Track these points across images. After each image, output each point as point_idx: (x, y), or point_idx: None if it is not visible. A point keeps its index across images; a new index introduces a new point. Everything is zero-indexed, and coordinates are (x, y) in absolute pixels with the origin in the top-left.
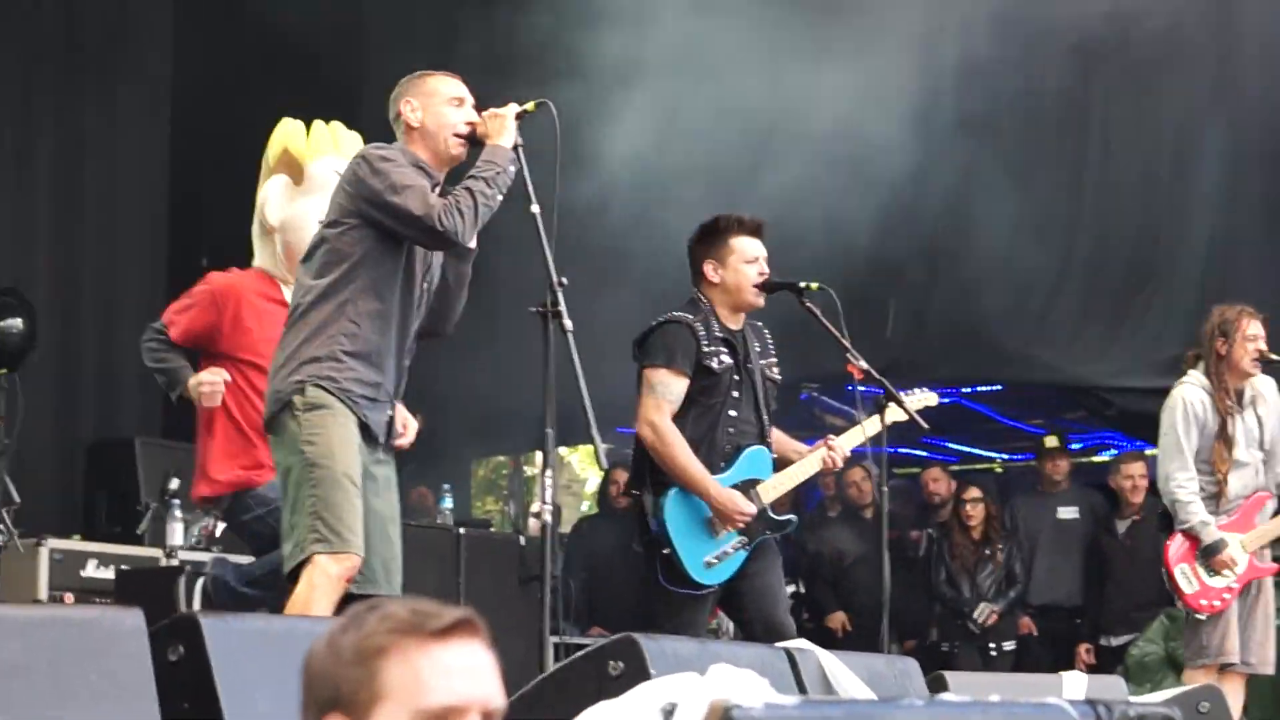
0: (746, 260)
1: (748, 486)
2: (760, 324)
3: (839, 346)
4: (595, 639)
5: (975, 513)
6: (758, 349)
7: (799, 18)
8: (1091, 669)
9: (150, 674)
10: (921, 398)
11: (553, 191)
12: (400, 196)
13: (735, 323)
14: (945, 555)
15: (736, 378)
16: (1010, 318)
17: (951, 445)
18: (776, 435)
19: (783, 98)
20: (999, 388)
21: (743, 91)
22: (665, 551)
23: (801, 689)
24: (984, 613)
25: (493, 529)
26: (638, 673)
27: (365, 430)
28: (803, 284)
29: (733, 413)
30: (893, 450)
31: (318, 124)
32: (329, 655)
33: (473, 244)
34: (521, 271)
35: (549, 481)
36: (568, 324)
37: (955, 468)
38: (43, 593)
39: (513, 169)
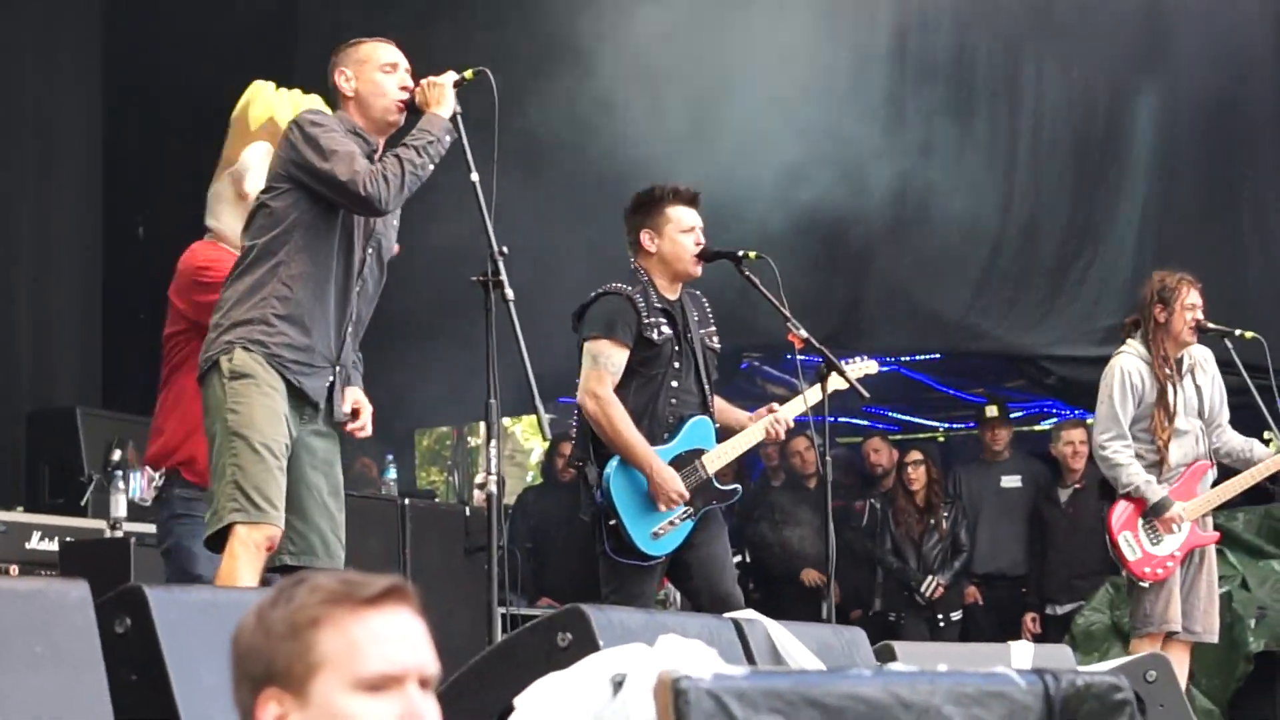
0: (683, 230)
1: (691, 457)
2: (698, 293)
3: (779, 315)
4: (543, 610)
5: (917, 475)
6: (696, 318)
7: None
8: (1037, 638)
9: (97, 646)
10: (862, 366)
11: (491, 160)
12: (328, 162)
13: (673, 293)
14: (890, 524)
15: (677, 348)
16: (948, 287)
17: (893, 414)
18: (719, 404)
19: (721, 65)
20: (938, 357)
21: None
22: (611, 523)
23: (750, 659)
24: (930, 585)
25: (437, 500)
26: (586, 644)
27: (302, 396)
28: (741, 252)
29: (674, 383)
30: (834, 419)
31: (297, 93)
32: (259, 630)
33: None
34: (462, 240)
35: (493, 452)
36: (509, 293)
37: (897, 437)
38: None
39: (448, 138)
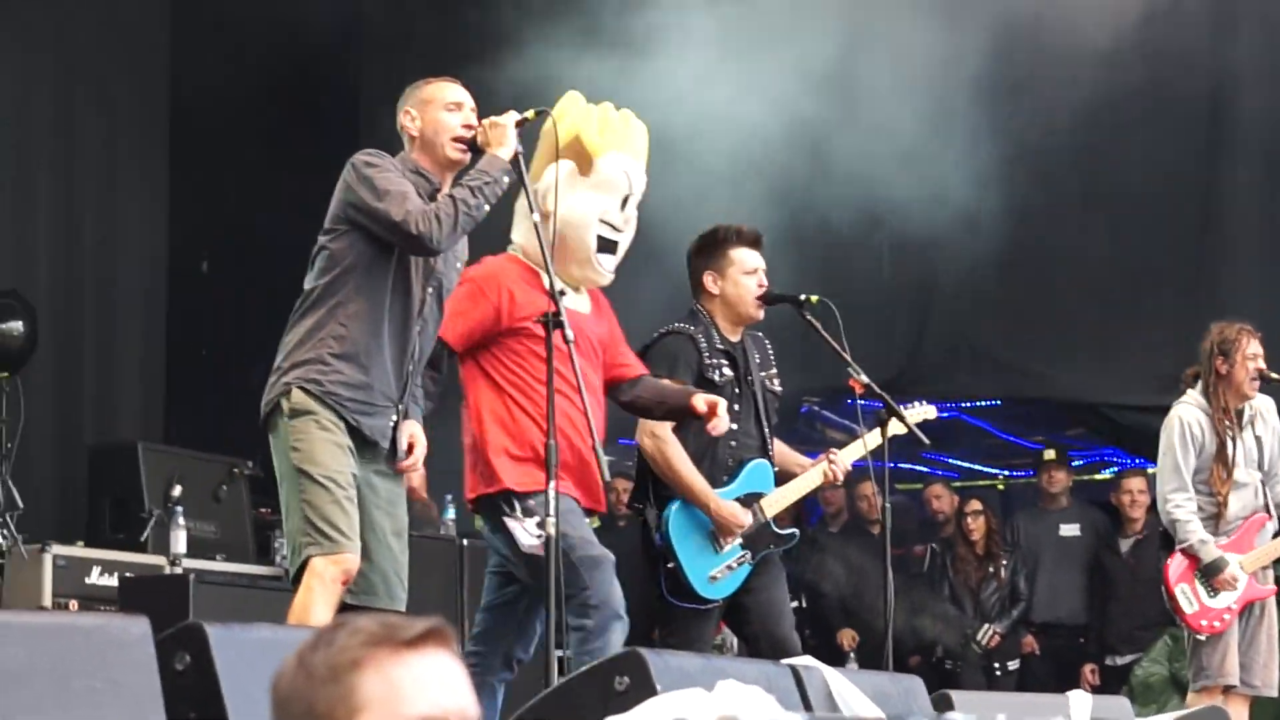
0: (746, 272)
1: (750, 500)
2: (760, 335)
3: (839, 359)
4: None
5: (977, 525)
6: (758, 360)
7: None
8: (1096, 689)
9: (156, 682)
10: (921, 411)
11: (553, 200)
12: (381, 202)
13: (735, 334)
14: (949, 571)
15: (737, 390)
16: (1009, 332)
17: (952, 460)
18: (779, 448)
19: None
20: (998, 403)
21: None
22: (669, 565)
23: (807, 706)
24: (987, 634)
25: None
26: (643, 688)
27: (359, 435)
28: (803, 296)
29: (734, 426)
30: (894, 465)
31: (607, 110)
32: (300, 674)
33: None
34: None
35: (552, 494)
36: (569, 333)
37: (956, 484)
38: (46, 599)
39: (506, 179)
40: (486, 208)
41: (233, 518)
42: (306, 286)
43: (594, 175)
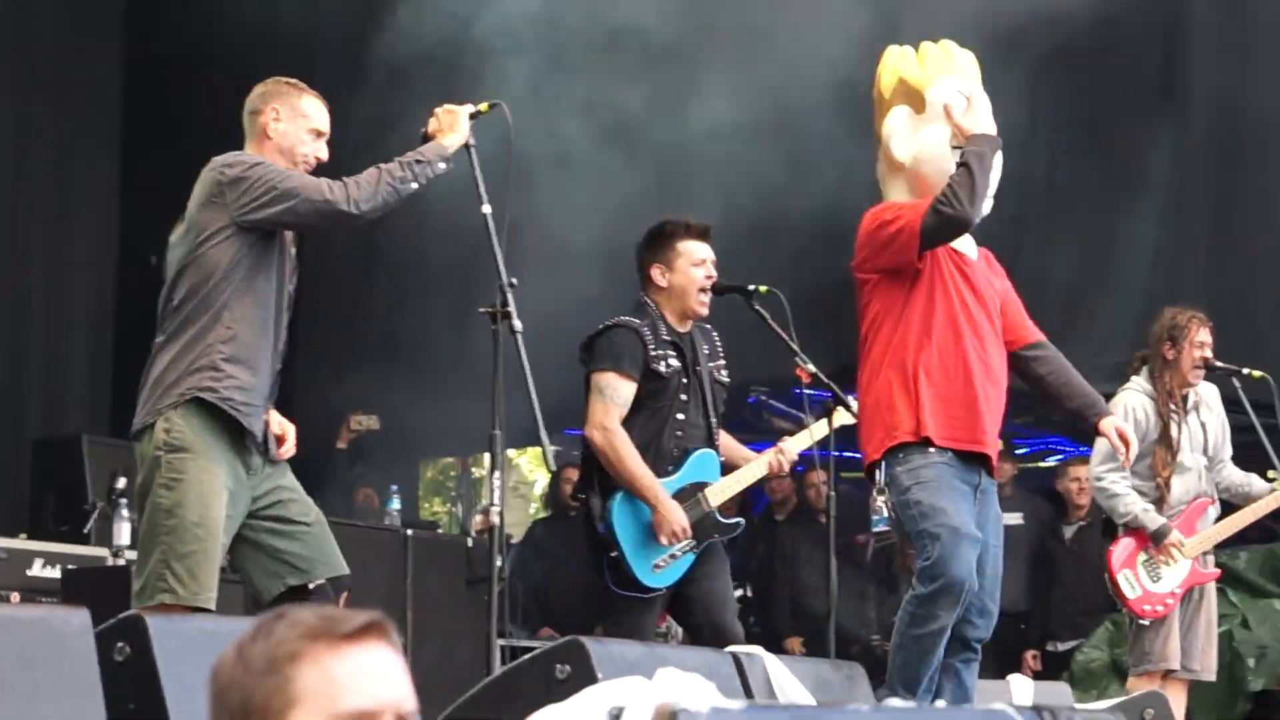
0: (693, 263)
1: (694, 490)
2: (709, 326)
3: (787, 350)
4: (544, 641)
5: None
6: (706, 352)
7: None
8: (1038, 675)
9: (96, 674)
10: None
11: (506, 192)
12: (278, 191)
13: (683, 326)
14: (895, 559)
15: (685, 380)
16: None
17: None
18: (724, 439)
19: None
20: None
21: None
22: (613, 555)
23: (749, 693)
24: None
25: (440, 530)
26: (584, 676)
27: (241, 445)
28: (751, 287)
29: (680, 416)
30: (841, 454)
31: (925, 46)
32: (239, 665)
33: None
34: (470, 271)
35: (497, 483)
36: (517, 325)
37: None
38: None
39: (442, 165)
40: (414, 187)
41: None
42: (174, 301)
43: (929, 110)
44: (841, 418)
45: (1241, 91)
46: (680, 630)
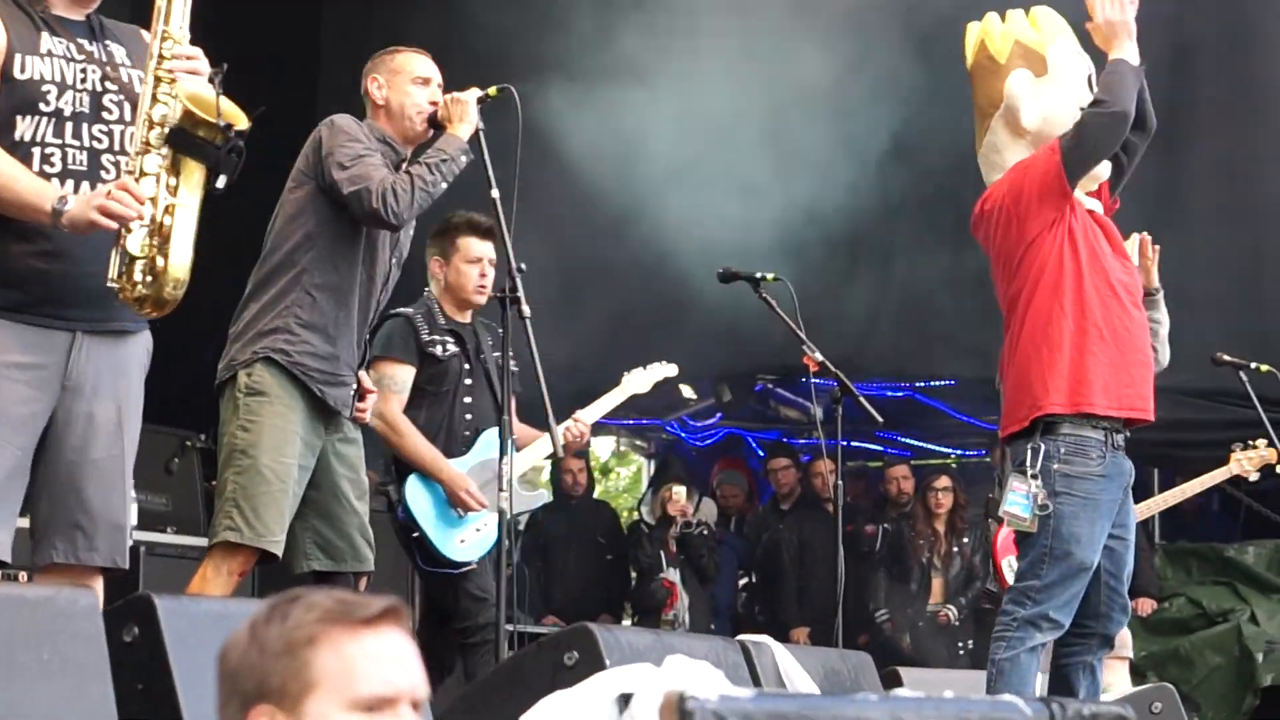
0: (469, 260)
1: (487, 468)
2: (490, 323)
3: (794, 338)
4: (549, 628)
5: (945, 500)
6: (490, 343)
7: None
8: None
9: (105, 654)
10: (662, 369)
11: (514, 177)
12: (342, 173)
13: (463, 316)
14: (906, 549)
15: (467, 366)
16: (962, 311)
17: (905, 440)
18: (518, 426)
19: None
20: (953, 382)
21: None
22: (415, 536)
23: (757, 682)
24: (942, 610)
25: None
26: (593, 663)
27: (324, 406)
28: (759, 275)
29: (467, 399)
30: (846, 443)
31: (1037, 8)
32: (253, 647)
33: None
34: None
35: (506, 469)
36: (525, 310)
37: (913, 462)
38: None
39: (464, 158)
40: (444, 185)
41: (184, 490)
42: (268, 245)
43: (1051, 70)
44: (635, 384)
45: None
46: (688, 618)
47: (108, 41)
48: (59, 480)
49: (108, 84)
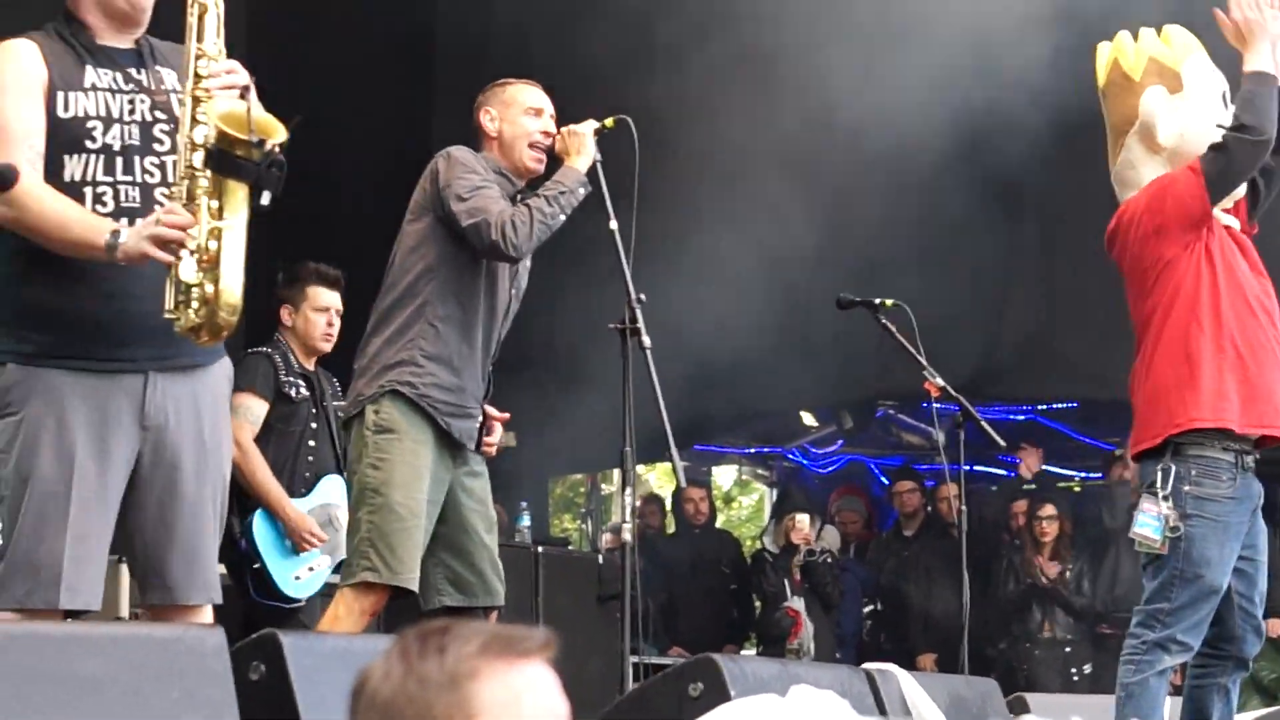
0: (317, 308)
1: (325, 510)
2: (328, 373)
3: (915, 363)
4: (674, 659)
5: (1049, 529)
6: (331, 392)
7: None
8: (1176, 689)
9: (232, 692)
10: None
11: (631, 208)
12: (461, 204)
13: (309, 363)
14: (1019, 574)
15: (314, 411)
16: (1082, 334)
17: (1018, 461)
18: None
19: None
20: (1074, 404)
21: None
22: (255, 567)
23: (882, 711)
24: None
25: (570, 547)
26: (717, 694)
27: (451, 439)
28: (878, 300)
29: (311, 442)
30: (970, 467)
31: (1169, 26)
32: (411, 681)
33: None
34: (600, 287)
35: (629, 499)
36: (646, 341)
37: (1030, 486)
38: (124, 610)
39: (582, 190)
40: (562, 218)
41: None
42: (389, 278)
43: (1186, 86)
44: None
45: None
46: (813, 647)
47: (158, 67)
48: (150, 522)
49: (158, 113)
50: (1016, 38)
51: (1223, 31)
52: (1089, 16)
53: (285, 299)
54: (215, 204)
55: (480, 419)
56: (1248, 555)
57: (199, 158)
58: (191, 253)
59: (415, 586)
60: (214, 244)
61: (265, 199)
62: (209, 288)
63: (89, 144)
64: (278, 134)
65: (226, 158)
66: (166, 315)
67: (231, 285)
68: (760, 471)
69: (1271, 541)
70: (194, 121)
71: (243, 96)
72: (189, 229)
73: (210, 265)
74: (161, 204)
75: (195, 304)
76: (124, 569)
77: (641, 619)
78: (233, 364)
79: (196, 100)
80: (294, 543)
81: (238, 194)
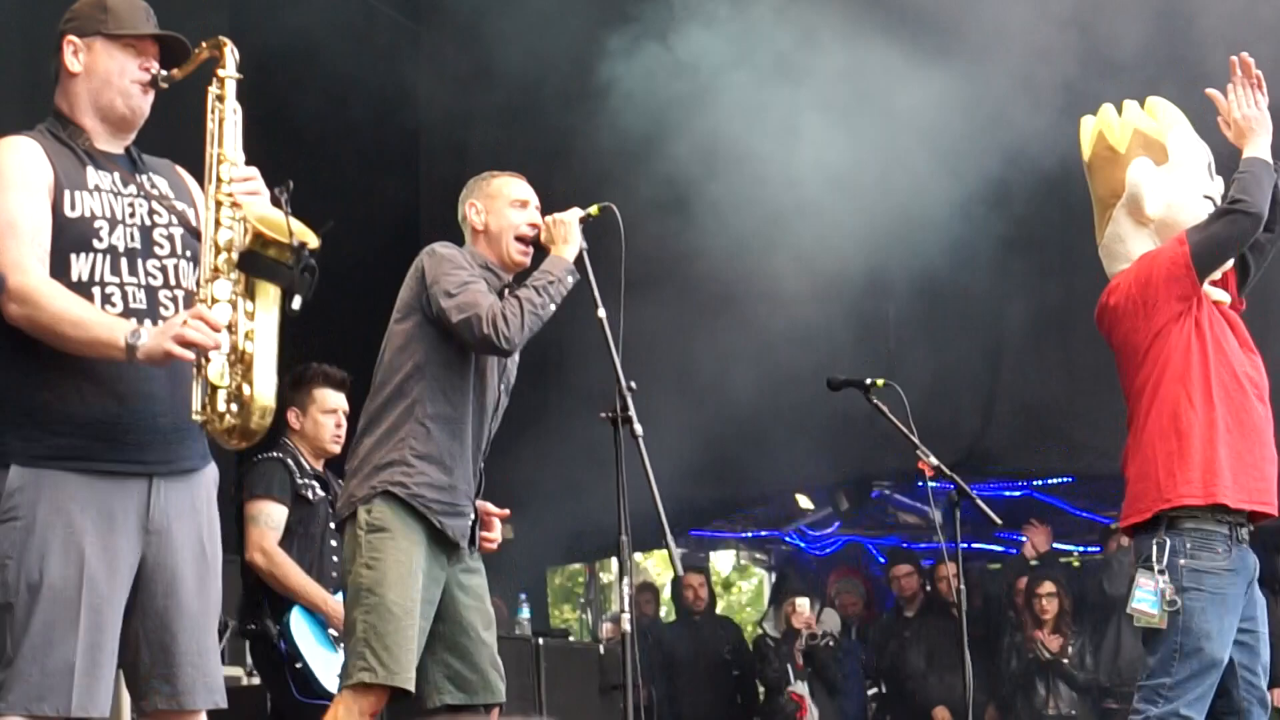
0: (325, 410)
1: None
2: (333, 476)
3: (908, 443)
4: None
5: (1050, 606)
6: (337, 491)
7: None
8: None
9: None
10: None
11: (619, 295)
12: (450, 300)
13: (318, 464)
14: (1021, 651)
15: (330, 510)
16: (1076, 408)
17: (1024, 539)
18: None
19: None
20: (1070, 479)
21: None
22: (298, 666)
23: None
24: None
25: (571, 638)
26: None
27: (443, 538)
28: (869, 380)
29: (334, 542)
30: (967, 545)
31: (1152, 98)
32: None
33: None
34: (591, 376)
35: (627, 589)
36: (638, 428)
37: (1035, 563)
38: (125, 717)
39: (570, 279)
40: (552, 307)
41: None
42: (378, 378)
43: (1172, 157)
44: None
45: None
46: None
47: (150, 174)
48: (153, 627)
49: (155, 217)
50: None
51: (1224, 132)
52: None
53: (292, 402)
54: (250, 306)
55: (474, 516)
56: (1248, 626)
57: (224, 259)
58: (222, 354)
59: (412, 686)
60: (249, 345)
61: (297, 303)
62: (245, 389)
63: (96, 244)
64: (311, 239)
65: (261, 260)
66: (195, 417)
67: (264, 388)
68: (758, 555)
69: (1271, 611)
70: (218, 224)
71: (277, 201)
72: (217, 332)
73: (245, 368)
74: (165, 305)
75: (225, 405)
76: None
77: (645, 709)
78: (240, 469)
79: (219, 204)
80: (340, 632)
81: (270, 296)
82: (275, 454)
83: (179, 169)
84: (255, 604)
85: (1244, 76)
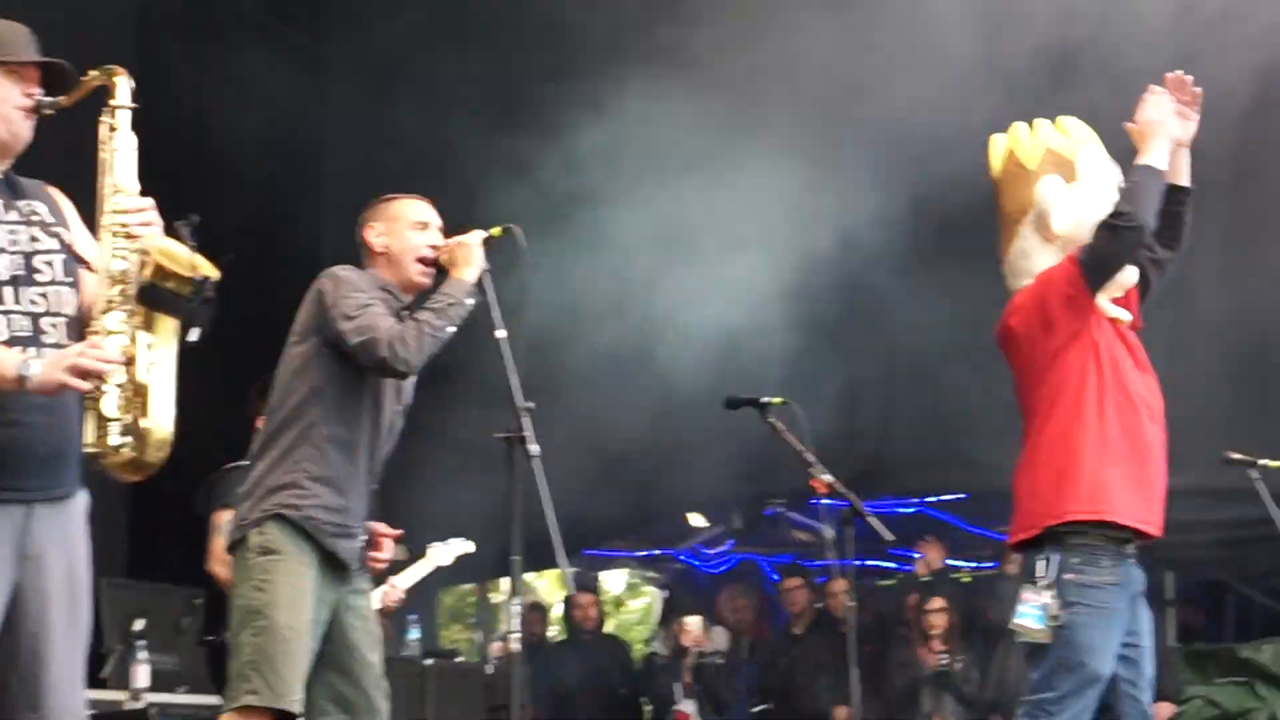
0: None
1: None
2: None
3: (802, 461)
4: None
5: (938, 622)
6: None
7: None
8: None
9: None
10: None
11: (520, 317)
12: (348, 323)
13: None
14: (909, 666)
15: None
16: (973, 426)
17: (918, 556)
18: None
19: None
20: (964, 496)
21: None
22: None
23: None
24: None
25: (460, 659)
26: None
27: (333, 560)
28: (765, 399)
29: None
30: (860, 562)
31: (1062, 118)
32: None
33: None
34: (486, 397)
35: (516, 609)
36: (533, 449)
37: (924, 579)
38: None
39: (470, 301)
40: (451, 330)
41: (194, 649)
42: (273, 401)
43: (1081, 175)
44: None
45: None
46: None
47: (28, 199)
48: (24, 656)
49: (36, 244)
50: None
51: (1130, 136)
52: None
53: (261, 412)
54: (148, 339)
55: (365, 538)
56: (1131, 641)
57: (119, 291)
58: (116, 385)
59: (299, 709)
60: (144, 377)
61: (194, 335)
62: (142, 422)
63: None
64: (211, 272)
65: (160, 293)
66: (86, 449)
67: (161, 420)
68: (651, 574)
69: (1156, 627)
70: (112, 254)
71: (179, 235)
72: (111, 364)
73: (142, 400)
74: (46, 332)
75: (121, 438)
76: None
77: None
78: (208, 484)
79: (114, 234)
80: None
81: (168, 328)
82: (244, 463)
83: (49, 188)
84: (217, 615)
85: (1177, 90)
